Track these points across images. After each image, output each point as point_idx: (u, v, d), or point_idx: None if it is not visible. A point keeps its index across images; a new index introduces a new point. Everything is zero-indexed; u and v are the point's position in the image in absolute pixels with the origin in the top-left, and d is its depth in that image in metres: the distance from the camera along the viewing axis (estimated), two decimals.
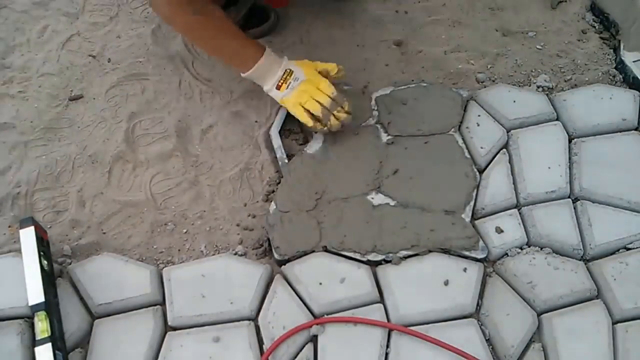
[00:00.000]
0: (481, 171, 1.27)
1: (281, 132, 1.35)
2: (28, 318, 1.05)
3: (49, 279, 1.07)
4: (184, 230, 1.22)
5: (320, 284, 1.11)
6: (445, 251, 1.15)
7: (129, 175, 1.30)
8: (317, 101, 1.21)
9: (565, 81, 1.46)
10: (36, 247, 1.06)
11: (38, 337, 0.97)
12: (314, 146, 1.30)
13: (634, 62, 1.44)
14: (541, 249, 1.17)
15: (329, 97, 1.22)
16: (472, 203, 1.21)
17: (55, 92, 1.43)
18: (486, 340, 1.06)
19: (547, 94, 1.40)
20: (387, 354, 1.04)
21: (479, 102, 1.37)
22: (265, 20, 1.52)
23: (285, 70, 1.22)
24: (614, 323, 1.08)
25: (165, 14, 1.20)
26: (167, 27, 1.54)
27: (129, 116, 1.38)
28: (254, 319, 1.09)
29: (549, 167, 1.26)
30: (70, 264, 1.16)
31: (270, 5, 1.54)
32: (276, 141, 1.32)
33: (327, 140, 1.30)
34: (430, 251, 1.15)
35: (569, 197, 1.24)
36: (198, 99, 1.41)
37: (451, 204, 1.20)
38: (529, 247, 1.17)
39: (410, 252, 1.14)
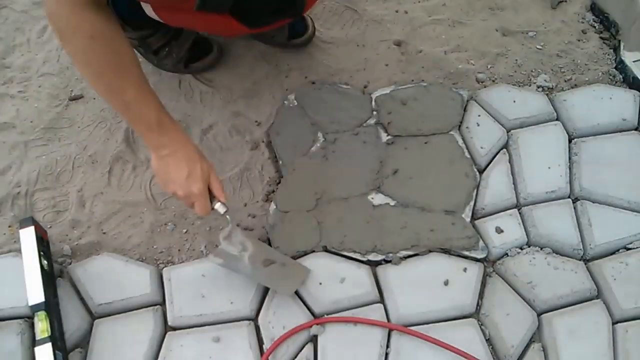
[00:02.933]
0: (481, 171, 1.27)
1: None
2: (28, 318, 1.05)
3: (49, 279, 1.07)
4: (184, 230, 1.22)
5: (320, 284, 1.11)
6: (445, 251, 1.15)
7: (129, 175, 1.30)
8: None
9: (565, 81, 1.45)
10: (36, 247, 1.06)
11: (38, 337, 0.97)
12: (314, 146, 1.30)
13: (634, 62, 1.44)
14: (541, 249, 1.17)
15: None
16: (472, 203, 1.21)
17: (55, 92, 1.43)
18: (486, 340, 1.06)
19: (547, 94, 1.40)
20: (387, 354, 1.04)
21: (479, 102, 1.37)
22: (208, 52, 1.42)
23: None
24: (614, 323, 1.08)
25: (51, 11, 0.87)
26: None
27: None
28: (254, 319, 1.09)
29: (549, 167, 1.26)
30: (70, 264, 1.16)
31: (213, 37, 1.44)
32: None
33: (327, 140, 1.30)
34: (430, 251, 1.15)
35: (569, 197, 1.24)
36: (198, 99, 1.41)
37: (451, 204, 1.20)
38: (529, 247, 1.17)
39: (410, 252, 1.14)
